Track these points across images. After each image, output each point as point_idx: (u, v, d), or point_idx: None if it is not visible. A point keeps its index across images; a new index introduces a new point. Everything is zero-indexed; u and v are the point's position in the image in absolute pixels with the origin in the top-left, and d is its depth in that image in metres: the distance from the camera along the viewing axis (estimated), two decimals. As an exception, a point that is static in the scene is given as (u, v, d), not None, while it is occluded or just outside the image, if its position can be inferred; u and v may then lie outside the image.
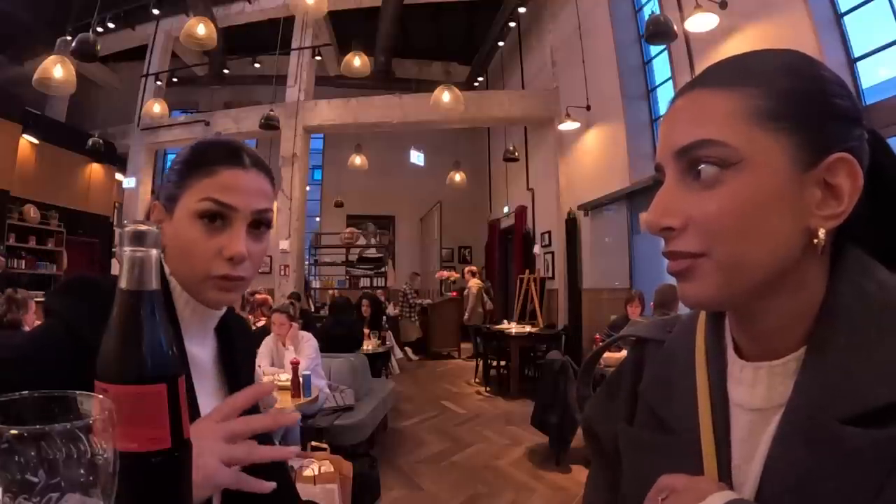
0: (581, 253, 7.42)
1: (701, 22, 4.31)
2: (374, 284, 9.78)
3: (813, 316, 0.47)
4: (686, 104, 0.49)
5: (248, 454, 0.57)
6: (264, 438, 0.66)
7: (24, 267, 8.30)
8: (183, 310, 0.71)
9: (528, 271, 8.39)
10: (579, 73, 7.11)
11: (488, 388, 6.81)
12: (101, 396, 0.33)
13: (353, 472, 2.58)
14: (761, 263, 0.45)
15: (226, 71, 10.41)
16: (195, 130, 8.48)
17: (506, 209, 10.58)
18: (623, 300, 4.72)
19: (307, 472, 2.38)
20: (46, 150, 8.62)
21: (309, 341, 3.75)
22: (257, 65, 10.36)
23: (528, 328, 6.96)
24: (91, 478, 0.29)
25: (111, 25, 8.03)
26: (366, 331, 6.17)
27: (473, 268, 10.14)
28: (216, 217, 0.69)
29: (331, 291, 9.33)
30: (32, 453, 0.27)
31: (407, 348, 9.31)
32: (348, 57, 5.80)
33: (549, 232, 8.37)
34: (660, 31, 4.30)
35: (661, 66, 6.32)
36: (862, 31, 3.87)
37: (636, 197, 6.15)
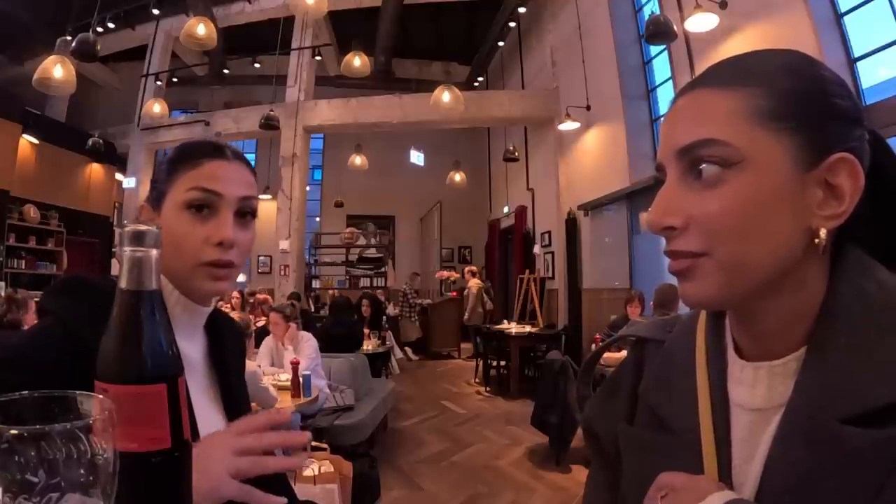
0: (581, 253, 7.42)
1: (701, 22, 4.31)
2: (374, 284, 9.79)
3: (813, 316, 0.47)
4: (687, 104, 0.49)
5: (254, 465, 0.57)
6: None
7: (24, 267, 8.30)
8: (174, 308, 0.72)
9: (528, 271, 8.38)
10: (579, 73, 7.11)
11: (488, 388, 6.80)
12: (101, 396, 0.33)
13: (353, 472, 2.58)
14: (762, 263, 0.45)
15: (226, 71, 10.41)
16: (195, 130, 8.47)
17: (506, 209, 10.58)
18: (623, 300, 4.72)
19: (307, 473, 2.38)
20: (46, 150, 8.62)
21: (309, 341, 3.74)
22: (257, 65, 10.36)
23: (528, 328, 6.96)
24: (91, 478, 0.29)
25: (111, 25, 8.03)
26: (366, 331, 6.17)
27: (473, 268, 10.13)
28: (203, 206, 0.71)
29: (331, 291, 9.33)
30: (32, 453, 0.27)
31: (407, 348, 9.31)
32: (348, 57, 5.79)
33: (549, 232, 8.36)
34: (660, 31, 4.30)
35: (661, 66, 6.32)
36: (862, 31, 3.87)
37: (636, 197, 6.14)
